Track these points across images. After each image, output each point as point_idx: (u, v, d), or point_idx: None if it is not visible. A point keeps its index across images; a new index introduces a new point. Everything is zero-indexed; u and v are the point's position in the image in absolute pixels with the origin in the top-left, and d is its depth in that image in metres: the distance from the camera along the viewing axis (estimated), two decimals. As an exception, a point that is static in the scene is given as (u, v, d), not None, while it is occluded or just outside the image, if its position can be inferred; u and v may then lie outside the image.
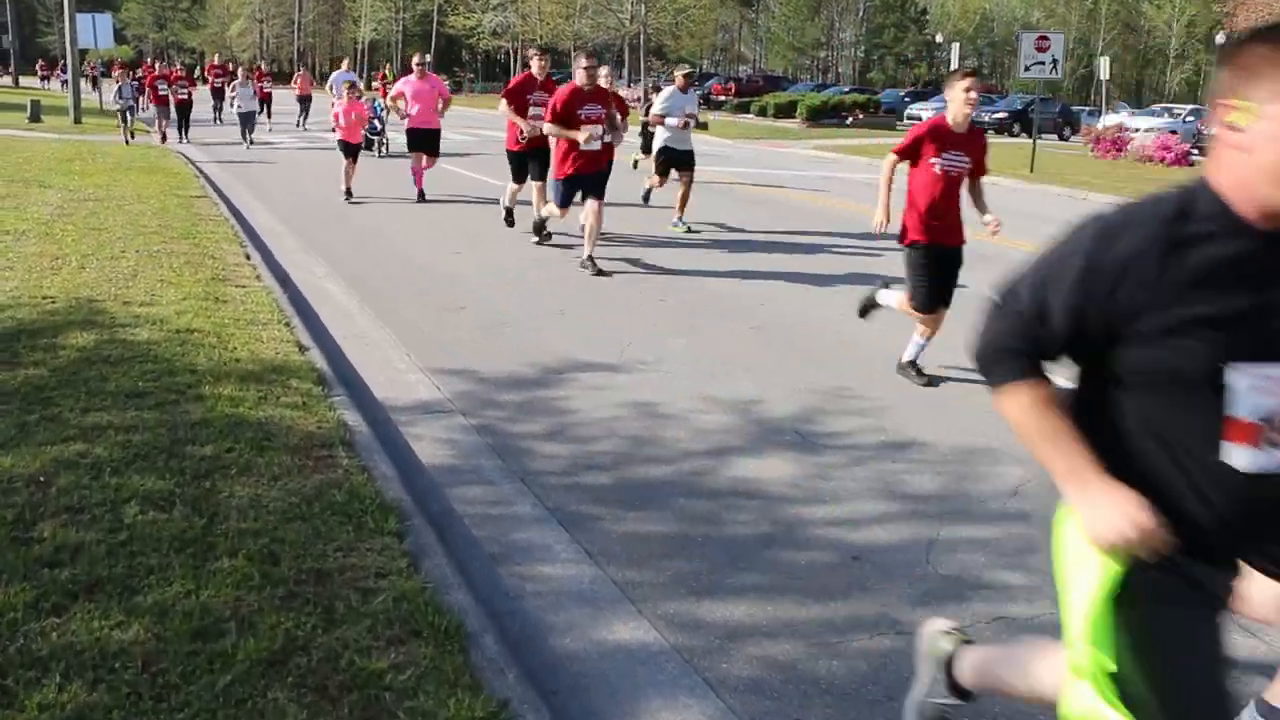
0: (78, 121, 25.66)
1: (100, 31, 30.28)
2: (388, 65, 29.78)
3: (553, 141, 9.80)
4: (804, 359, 6.87)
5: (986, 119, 42.00)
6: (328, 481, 4.13)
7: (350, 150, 14.10)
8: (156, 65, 28.32)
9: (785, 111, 39.17)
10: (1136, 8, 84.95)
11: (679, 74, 12.85)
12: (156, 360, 5.58)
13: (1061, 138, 42.99)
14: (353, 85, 15.61)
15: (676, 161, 12.38)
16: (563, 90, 9.55)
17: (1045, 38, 23.48)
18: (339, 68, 29.18)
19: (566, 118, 9.37)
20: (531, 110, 10.75)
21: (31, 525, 3.58)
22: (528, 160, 11.15)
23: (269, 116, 27.28)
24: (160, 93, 23.38)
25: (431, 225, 12.27)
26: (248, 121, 22.09)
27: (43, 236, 9.45)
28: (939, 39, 76.61)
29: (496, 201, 12.69)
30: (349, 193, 13.98)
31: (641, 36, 49.85)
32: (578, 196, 9.77)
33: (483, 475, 4.76)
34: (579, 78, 9.50)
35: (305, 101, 28.99)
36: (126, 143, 20.87)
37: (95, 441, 4.36)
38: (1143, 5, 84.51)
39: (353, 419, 5.02)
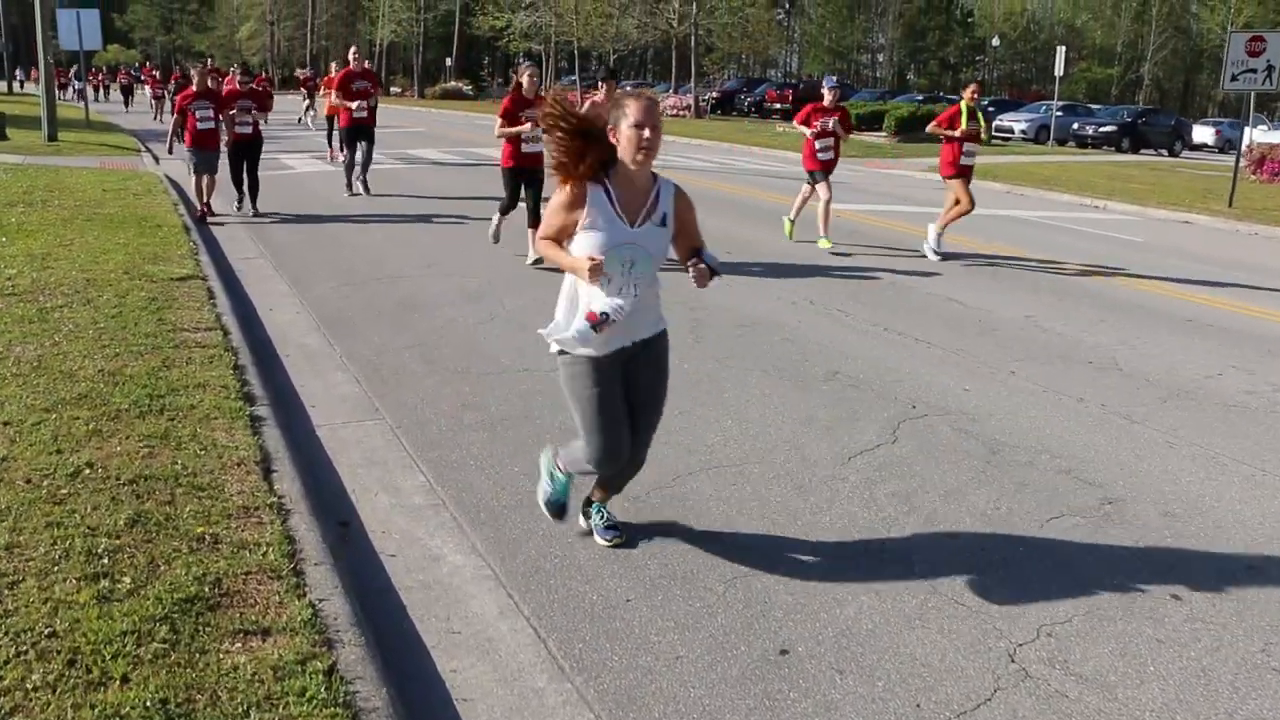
0: (52, 139, 20.95)
1: (86, 30, 25.62)
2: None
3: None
4: None
5: (1090, 132, 37.26)
6: None
7: None
8: (192, 71, 13.35)
9: (867, 123, 34.32)
10: (1188, 9, 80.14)
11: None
12: None
13: (1172, 153, 38.15)
14: None
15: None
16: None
17: (1261, 39, 18.64)
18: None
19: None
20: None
21: None
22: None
23: None
24: (202, 124, 12.05)
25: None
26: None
27: None
28: (995, 42, 71.85)
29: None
30: None
31: (693, 39, 45.02)
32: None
33: None
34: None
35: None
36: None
37: None
38: (1193, 6, 79.66)
39: None
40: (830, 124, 11.51)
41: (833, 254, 11.29)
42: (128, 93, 41.91)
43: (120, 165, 17.18)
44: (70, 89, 47.89)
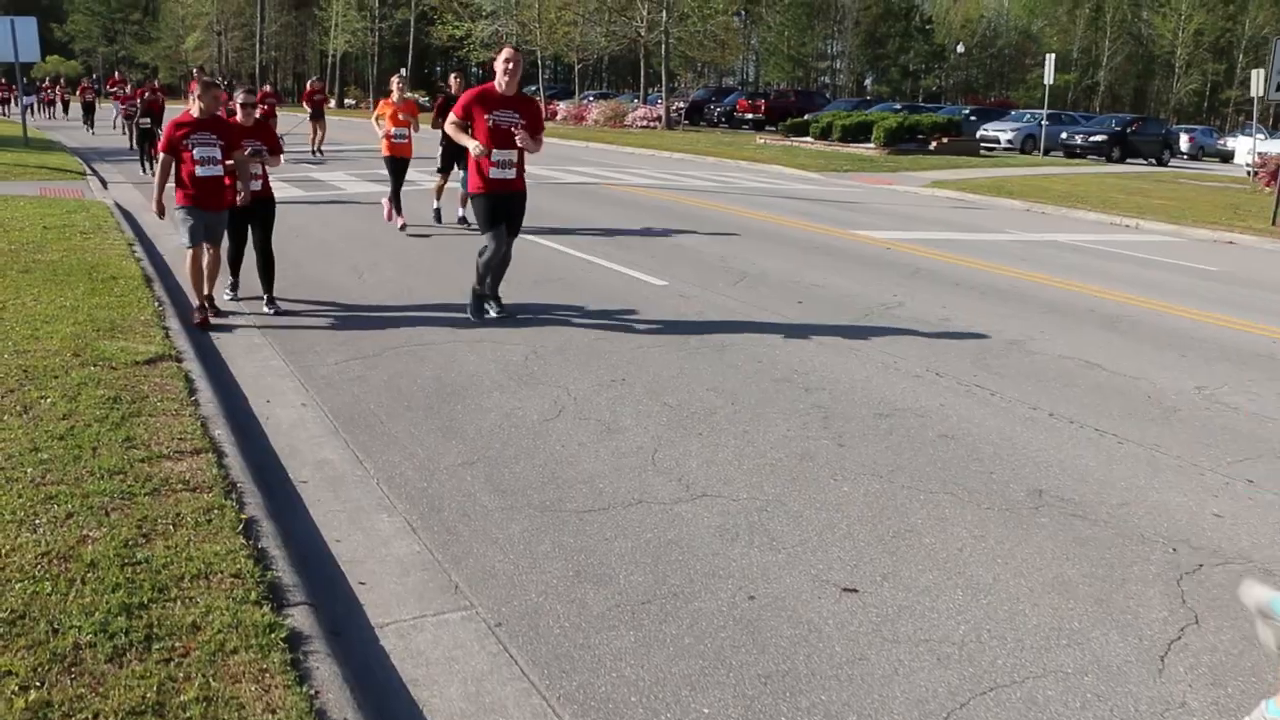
0: (-15, 161, 18.82)
1: (23, 41, 23.42)
2: None
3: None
4: None
5: (1080, 142, 36.20)
6: None
7: None
8: (193, 89, 7.94)
9: (852, 134, 32.89)
10: (1140, 16, 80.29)
11: None
12: None
13: (1160, 162, 37.23)
14: None
15: None
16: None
17: (1308, 43, 17.41)
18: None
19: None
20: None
21: None
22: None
23: None
24: (204, 169, 7.65)
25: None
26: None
27: None
28: (960, 49, 71.15)
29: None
30: None
31: (664, 46, 43.44)
32: None
33: None
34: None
35: None
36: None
37: None
38: (1145, 14, 79.78)
39: None
40: None
41: (914, 305, 9.65)
42: (90, 110, 34.13)
43: (63, 192, 15.18)
44: (15, 102, 44.68)
